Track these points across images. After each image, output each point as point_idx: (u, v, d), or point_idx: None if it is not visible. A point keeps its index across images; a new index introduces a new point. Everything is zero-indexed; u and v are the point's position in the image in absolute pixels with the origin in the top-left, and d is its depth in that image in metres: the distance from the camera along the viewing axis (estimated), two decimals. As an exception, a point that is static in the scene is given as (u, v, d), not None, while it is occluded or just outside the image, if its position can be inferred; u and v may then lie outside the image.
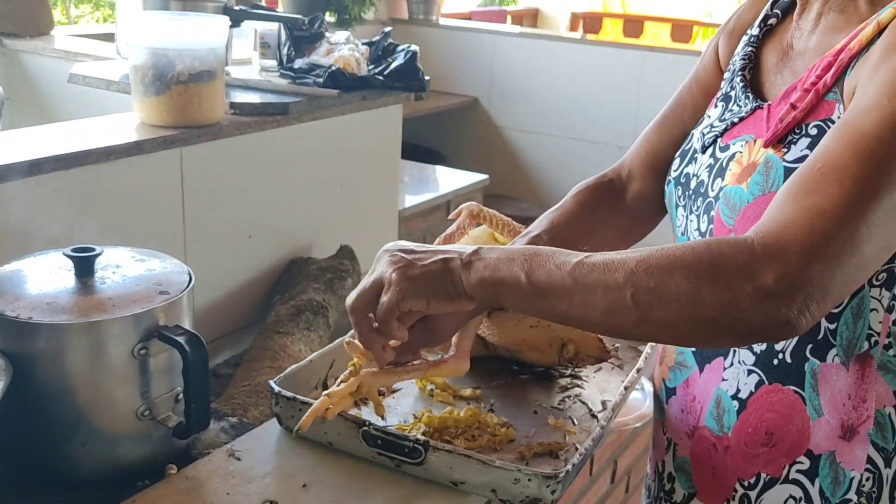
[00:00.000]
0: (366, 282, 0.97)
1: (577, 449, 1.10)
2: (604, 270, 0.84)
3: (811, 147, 0.91)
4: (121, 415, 1.03)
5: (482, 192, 2.47)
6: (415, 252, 0.95)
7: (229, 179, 1.72)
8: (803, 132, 0.93)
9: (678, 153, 1.12)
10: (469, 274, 0.91)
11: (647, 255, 0.83)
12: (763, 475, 0.98)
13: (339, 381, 1.07)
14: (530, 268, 0.88)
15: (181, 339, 1.00)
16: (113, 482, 1.03)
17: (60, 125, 1.58)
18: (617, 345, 1.37)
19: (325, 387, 1.23)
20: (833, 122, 0.90)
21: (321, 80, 1.86)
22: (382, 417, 1.10)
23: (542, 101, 3.32)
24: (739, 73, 1.07)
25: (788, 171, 0.92)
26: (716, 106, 1.09)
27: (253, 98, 1.80)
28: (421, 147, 3.37)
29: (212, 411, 1.22)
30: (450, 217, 1.47)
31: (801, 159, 0.91)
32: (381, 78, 1.94)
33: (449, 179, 2.49)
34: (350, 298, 0.97)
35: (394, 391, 1.23)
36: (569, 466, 1.01)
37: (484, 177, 2.47)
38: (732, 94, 1.07)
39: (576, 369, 1.32)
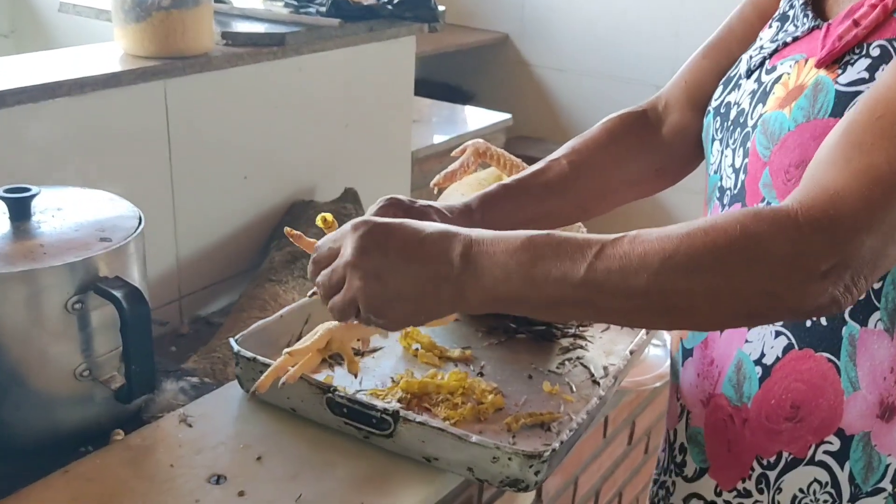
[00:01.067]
0: (343, 290, 0.79)
1: (572, 419, 0.97)
2: (622, 275, 0.70)
3: (871, 70, 0.77)
4: (57, 375, 0.92)
5: (505, 132, 2.32)
6: (390, 251, 0.77)
7: (221, 116, 1.59)
8: (864, 52, 0.78)
9: (722, 80, 0.97)
10: (462, 295, 0.76)
11: (671, 246, 0.69)
12: (785, 454, 0.86)
13: (305, 338, 0.95)
14: (532, 281, 0.73)
15: (118, 293, 0.88)
16: (53, 448, 0.93)
17: (29, 55, 1.46)
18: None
19: (299, 344, 1.11)
20: None
21: (324, 8, 1.72)
22: (356, 376, 0.99)
23: (576, 37, 3.13)
24: None
25: (840, 97, 0.77)
26: (770, 27, 0.94)
27: (248, 27, 1.66)
28: (448, 86, 3.21)
29: (174, 370, 1.12)
30: (453, 154, 1.34)
31: (856, 82, 0.77)
32: (389, 7, 1.78)
33: (469, 119, 2.33)
34: (311, 271, 0.83)
35: (373, 350, 1.11)
36: (555, 444, 0.88)
37: (506, 116, 2.31)
38: (791, 13, 0.91)
39: (580, 328, 1.19)
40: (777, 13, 0.94)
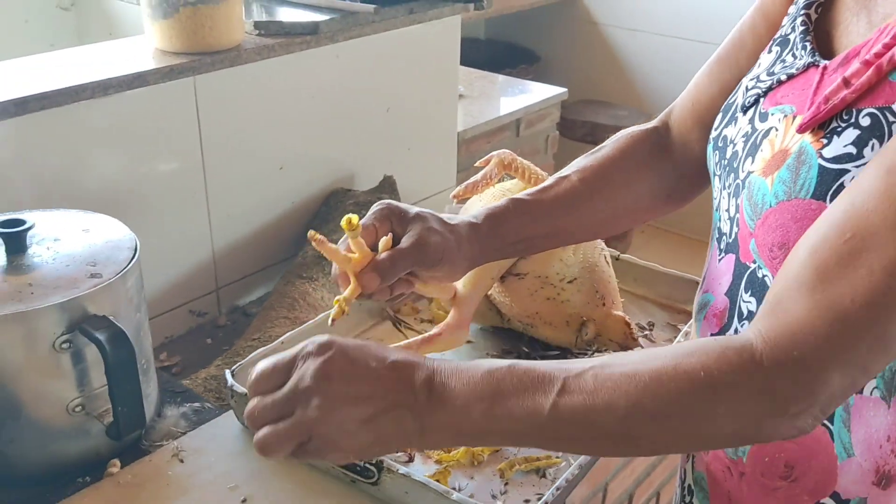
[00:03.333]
0: (293, 419, 0.70)
1: (570, 465, 0.94)
2: (586, 415, 0.68)
3: (858, 144, 0.68)
4: (50, 410, 0.93)
5: (559, 106, 2.23)
6: (353, 379, 0.71)
7: (254, 108, 1.57)
8: (853, 119, 0.69)
9: (724, 105, 0.89)
10: (424, 428, 0.70)
11: (637, 392, 0.67)
12: None
13: None
14: (494, 418, 0.69)
15: (101, 336, 0.88)
16: (49, 479, 0.95)
17: (55, 54, 1.46)
18: (650, 322, 1.17)
19: (303, 369, 1.10)
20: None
21: (361, -8, 1.67)
22: None
23: (650, -6, 2.99)
24: (804, 10, 0.82)
25: (823, 175, 0.70)
26: (770, 51, 0.85)
27: (280, 15, 1.62)
28: (514, 46, 3.11)
29: (179, 392, 1.12)
30: (477, 164, 1.29)
31: (842, 158, 0.69)
32: (430, -12, 1.72)
33: (522, 93, 2.24)
34: (251, 411, 0.72)
35: (377, 378, 1.08)
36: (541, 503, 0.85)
37: (561, 90, 2.21)
38: (791, 36, 0.82)
39: (596, 352, 1.14)
40: (778, 35, 0.85)
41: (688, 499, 0.94)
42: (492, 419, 0.69)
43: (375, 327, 1.21)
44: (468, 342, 1.16)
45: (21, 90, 1.28)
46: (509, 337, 1.14)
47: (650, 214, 1.04)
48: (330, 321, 0.87)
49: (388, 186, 1.74)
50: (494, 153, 1.25)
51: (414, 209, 0.90)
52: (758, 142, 0.79)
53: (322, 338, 0.72)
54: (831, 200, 0.69)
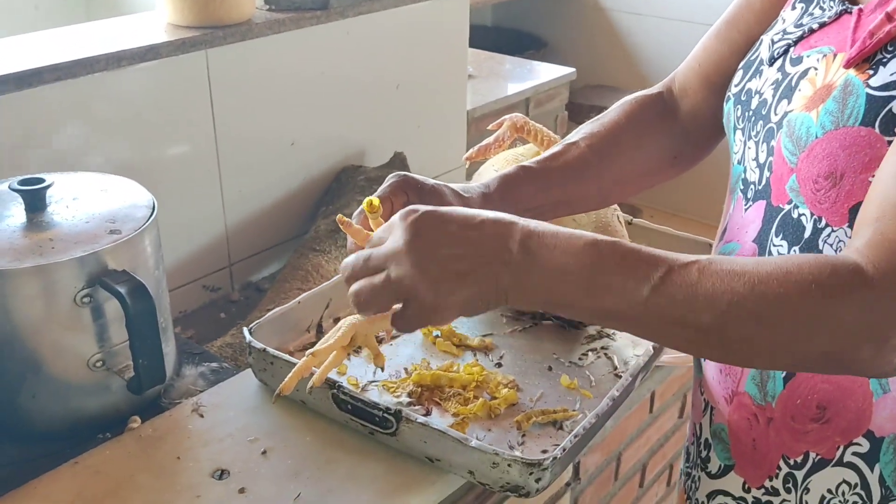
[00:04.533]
0: (379, 278, 0.72)
1: (585, 416, 0.94)
2: (685, 307, 0.66)
3: None
4: (71, 365, 0.94)
5: (568, 87, 2.23)
6: (441, 249, 0.70)
7: (265, 83, 1.57)
8: None
9: (742, 64, 0.90)
10: (517, 288, 0.70)
11: (742, 291, 0.65)
12: (812, 455, 0.82)
13: (328, 335, 0.93)
14: (590, 288, 0.69)
15: (122, 289, 0.89)
16: (70, 434, 0.96)
17: (68, 28, 1.47)
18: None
19: (320, 330, 1.11)
20: None
21: (372, -33, 1.67)
22: (382, 368, 0.97)
23: (657, -23, 2.98)
24: None
25: (872, 102, 0.71)
26: (793, 7, 0.86)
27: (292, -10, 1.63)
28: (520, 32, 3.11)
29: (197, 353, 1.13)
30: (490, 127, 1.29)
31: (890, 85, 0.70)
32: (440, -36, 1.72)
33: (531, 73, 2.25)
34: (349, 269, 0.74)
35: (393, 337, 1.09)
36: (557, 452, 0.85)
37: (570, 70, 2.21)
38: None
39: (611, 315, 1.14)
40: None
41: (704, 453, 0.95)
42: (587, 290, 0.68)
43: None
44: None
45: (35, 61, 1.29)
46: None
47: (657, 178, 1.05)
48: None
49: (398, 163, 1.75)
50: (507, 116, 1.25)
51: (430, 181, 0.90)
52: (793, 84, 0.80)
53: (410, 206, 0.72)
54: (880, 126, 0.70)
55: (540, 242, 0.70)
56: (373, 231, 0.82)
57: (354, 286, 0.73)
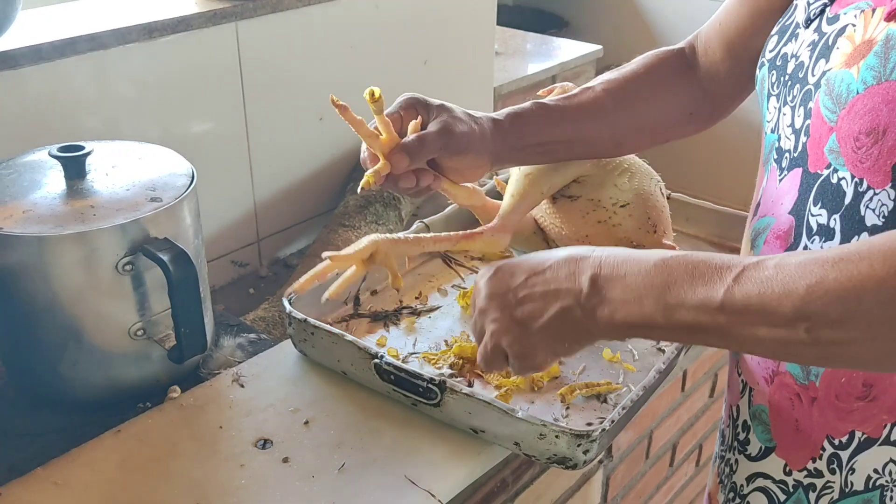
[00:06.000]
0: (484, 341, 0.78)
1: (630, 390, 0.93)
2: (762, 300, 0.63)
3: None
4: (112, 334, 0.93)
5: (595, 64, 2.21)
6: (516, 288, 0.74)
7: (294, 57, 1.56)
8: None
9: (776, 29, 0.88)
10: (594, 322, 0.71)
11: (820, 272, 0.61)
12: (858, 434, 0.80)
13: (349, 247, 0.94)
14: (666, 307, 0.67)
15: (164, 256, 0.88)
16: (110, 403, 0.95)
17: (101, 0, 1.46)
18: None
19: (357, 302, 1.10)
20: None
21: (401, -60, 1.65)
22: (398, 290, 0.98)
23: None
24: None
25: None
26: None
27: (322, -37, 1.61)
28: (541, 11, 3.08)
29: (234, 324, 1.12)
30: (539, 93, 1.28)
31: None
32: (470, -63, 1.70)
33: (557, 51, 2.23)
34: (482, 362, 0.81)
35: (431, 309, 1.08)
36: (605, 424, 0.84)
37: (596, 47, 2.19)
38: None
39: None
40: None
41: (742, 435, 0.93)
42: (664, 309, 0.67)
43: (426, 264, 1.20)
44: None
45: (68, 32, 1.28)
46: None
47: (671, 133, 1.05)
48: (359, 188, 0.90)
49: (427, 138, 1.74)
50: (558, 84, 1.25)
51: (437, 101, 0.93)
52: (830, 42, 0.78)
53: (489, 265, 0.78)
54: None
55: (609, 274, 0.70)
56: (379, 132, 0.86)
57: (479, 356, 0.80)
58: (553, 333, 0.72)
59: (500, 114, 0.95)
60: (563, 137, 0.96)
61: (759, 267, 0.64)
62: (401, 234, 0.93)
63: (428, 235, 0.94)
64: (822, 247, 0.76)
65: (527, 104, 0.97)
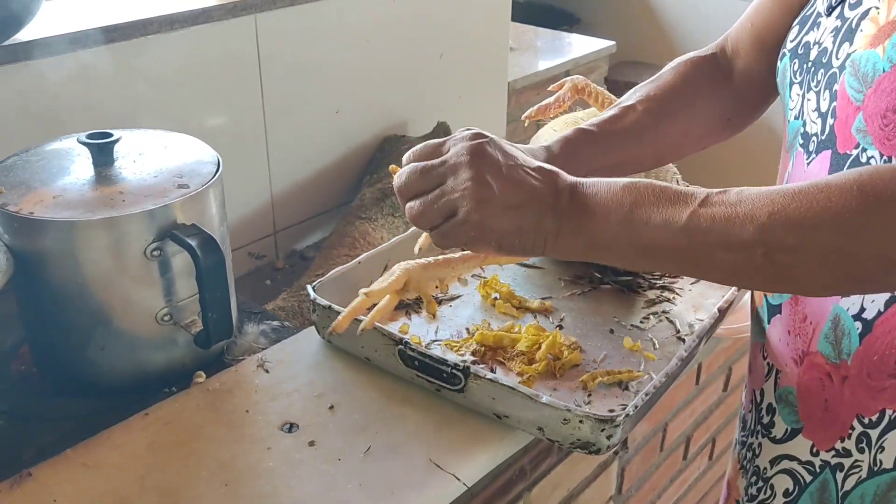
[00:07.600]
0: (436, 192, 0.74)
1: (652, 378, 0.94)
2: (726, 224, 0.67)
3: None
4: (139, 319, 0.94)
5: (608, 60, 2.21)
6: (499, 175, 0.74)
7: (312, 49, 1.57)
8: None
9: (797, 20, 0.89)
10: (560, 231, 0.73)
11: (781, 201, 0.66)
12: (889, 412, 0.80)
13: (382, 278, 0.95)
14: (631, 224, 0.70)
15: (193, 241, 0.89)
16: (137, 388, 0.96)
17: (123, -9, 1.47)
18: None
19: (379, 290, 1.11)
20: None
21: (418, -65, 1.66)
22: (434, 317, 0.98)
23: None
24: None
25: None
26: None
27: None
28: (552, 8, 3.09)
29: (257, 311, 1.13)
30: (550, 88, 1.29)
31: None
32: (486, -68, 1.71)
33: (570, 47, 2.24)
34: (402, 181, 0.76)
35: (451, 298, 1.09)
36: (629, 409, 0.85)
37: (609, 43, 2.20)
38: None
39: (668, 279, 1.14)
40: None
41: (767, 419, 0.94)
42: (628, 226, 0.70)
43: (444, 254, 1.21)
44: (538, 267, 1.16)
45: (89, 22, 1.29)
46: (582, 262, 1.15)
47: (710, 140, 1.05)
48: (417, 248, 0.93)
49: (442, 132, 1.75)
50: (568, 78, 1.26)
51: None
52: (853, 26, 0.79)
53: (476, 130, 0.76)
54: None
55: (584, 191, 0.73)
56: None
57: (409, 204, 0.76)
58: (512, 226, 0.73)
59: (554, 146, 0.93)
60: (611, 163, 0.96)
61: (724, 194, 0.68)
62: (430, 259, 0.93)
63: (457, 255, 0.94)
64: None
65: (574, 133, 0.95)
